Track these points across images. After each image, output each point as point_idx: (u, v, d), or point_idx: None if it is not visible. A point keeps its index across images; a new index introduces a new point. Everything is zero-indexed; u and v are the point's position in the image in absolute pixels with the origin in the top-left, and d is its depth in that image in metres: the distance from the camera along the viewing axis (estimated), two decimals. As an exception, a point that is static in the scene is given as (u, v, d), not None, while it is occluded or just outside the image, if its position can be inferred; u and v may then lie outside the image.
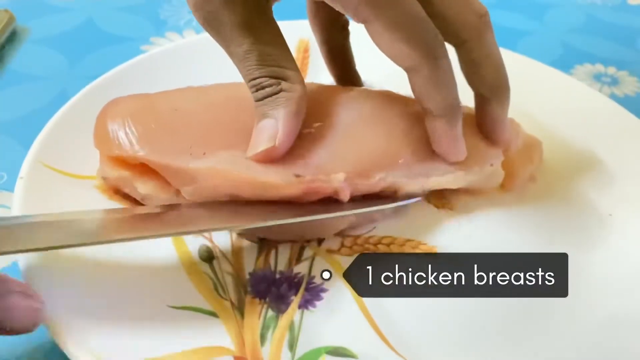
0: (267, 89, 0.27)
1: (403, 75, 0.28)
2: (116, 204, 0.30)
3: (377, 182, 0.29)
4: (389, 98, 0.33)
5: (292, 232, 0.29)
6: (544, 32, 0.57)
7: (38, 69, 0.46)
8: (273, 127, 0.27)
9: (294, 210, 0.28)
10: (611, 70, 0.51)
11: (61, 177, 0.30)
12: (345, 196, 0.29)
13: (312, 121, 0.30)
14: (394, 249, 0.30)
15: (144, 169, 0.29)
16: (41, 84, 0.45)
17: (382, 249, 0.30)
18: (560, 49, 0.54)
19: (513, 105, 0.31)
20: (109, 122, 0.30)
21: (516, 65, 0.41)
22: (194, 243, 0.29)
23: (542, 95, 0.40)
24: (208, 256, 0.29)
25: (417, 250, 0.30)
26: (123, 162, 0.29)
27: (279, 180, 0.28)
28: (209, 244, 0.29)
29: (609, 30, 0.57)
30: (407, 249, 0.30)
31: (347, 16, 0.27)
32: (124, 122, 0.29)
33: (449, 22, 0.28)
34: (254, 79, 0.28)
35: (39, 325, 0.23)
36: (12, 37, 0.49)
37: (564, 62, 0.51)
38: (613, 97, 0.47)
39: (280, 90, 0.27)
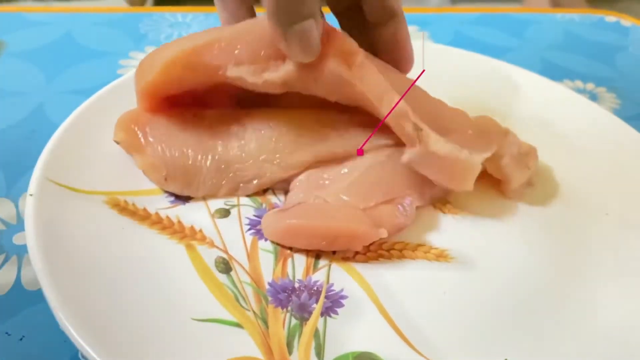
0: None
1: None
2: (125, 219, 0.30)
3: None
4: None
5: None
6: (524, 49, 0.57)
7: (14, 84, 0.45)
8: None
9: None
10: (590, 86, 0.51)
11: (70, 193, 0.29)
12: None
13: None
14: (407, 254, 0.30)
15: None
16: (17, 99, 0.43)
17: (395, 254, 0.30)
18: (540, 66, 0.54)
19: (508, 113, 0.33)
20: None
21: (507, 74, 0.43)
22: (209, 255, 0.29)
23: (533, 101, 0.41)
24: (225, 268, 0.29)
25: (429, 255, 0.30)
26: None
27: None
28: (224, 255, 0.29)
29: (587, 47, 0.58)
30: (420, 254, 0.30)
31: None
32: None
33: None
34: None
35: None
36: (-13, 51, 0.48)
37: (544, 79, 0.53)
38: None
39: None
